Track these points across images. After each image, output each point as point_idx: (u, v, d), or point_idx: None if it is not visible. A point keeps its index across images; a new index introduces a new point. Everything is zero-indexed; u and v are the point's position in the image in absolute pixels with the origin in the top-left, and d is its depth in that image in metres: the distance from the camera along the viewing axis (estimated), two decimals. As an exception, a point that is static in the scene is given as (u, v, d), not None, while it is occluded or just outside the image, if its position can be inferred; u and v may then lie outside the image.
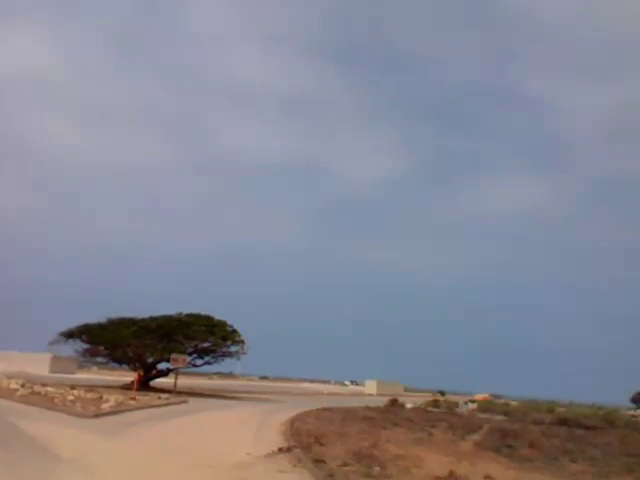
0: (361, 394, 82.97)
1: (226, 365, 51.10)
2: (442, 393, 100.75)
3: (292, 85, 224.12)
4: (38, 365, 61.97)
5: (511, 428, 28.50)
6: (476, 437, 23.96)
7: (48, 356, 62.80)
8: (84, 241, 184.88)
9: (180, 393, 38.29)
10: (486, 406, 55.41)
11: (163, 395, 33.59)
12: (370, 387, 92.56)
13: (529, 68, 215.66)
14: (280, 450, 15.12)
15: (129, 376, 48.19)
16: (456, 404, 55.40)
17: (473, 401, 62.99)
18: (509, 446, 20.14)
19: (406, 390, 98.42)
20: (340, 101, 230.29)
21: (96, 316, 44.72)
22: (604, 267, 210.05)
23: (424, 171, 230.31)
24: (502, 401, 77.84)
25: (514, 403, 66.63)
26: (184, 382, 45.53)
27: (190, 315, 45.55)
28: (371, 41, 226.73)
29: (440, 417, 34.37)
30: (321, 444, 16.64)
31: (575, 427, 33.45)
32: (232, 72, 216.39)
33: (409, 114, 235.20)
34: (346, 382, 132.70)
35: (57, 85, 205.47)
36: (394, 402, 44.05)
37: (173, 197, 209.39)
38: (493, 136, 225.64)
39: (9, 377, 37.14)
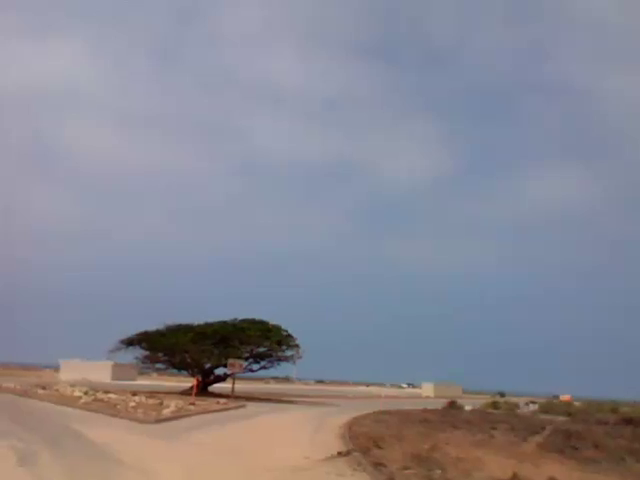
0: (418, 396, 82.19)
1: (282, 369, 51.44)
2: (501, 394, 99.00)
3: (326, 84, 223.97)
4: (100, 373, 63.58)
5: (574, 429, 27.71)
6: (539, 439, 23.39)
7: (109, 364, 64.30)
8: (133, 248, 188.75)
9: (238, 398, 38.66)
10: (548, 407, 54.14)
11: (221, 400, 33.96)
12: (427, 389, 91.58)
13: (573, 58, 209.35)
14: (339, 454, 15.02)
15: (188, 382, 48.93)
16: (516, 405, 54.30)
17: (534, 402, 61.62)
18: (573, 447, 19.59)
19: (464, 392, 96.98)
20: (374, 99, 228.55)
21: (154, 323, 45.65)
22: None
23: (462, 168, 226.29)
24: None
25: (577, 404, 64.97)
26: (241, 387, 45.97)
27: (245, 320, 46.01)
28: (406, 37, 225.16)
29: (500, 419, 33.69)
30: (380, 447, 16.50)
31: (641, 427, 32.32)
32: (266, 73, 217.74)
33: (445, 110, 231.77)
34: (403, 384, 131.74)
35: (97, 93, 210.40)
36: (452, 404, 43.45)
37: (209, 198, 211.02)
38: (532, 130, 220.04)
39: (72, 385, 38.21)
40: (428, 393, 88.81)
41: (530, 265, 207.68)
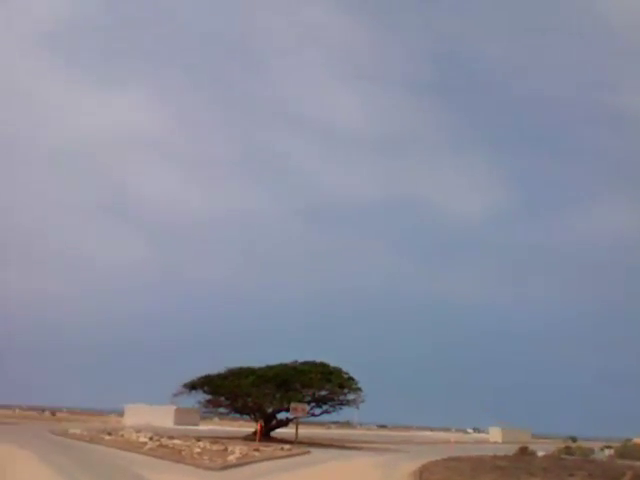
0: (485, 442, 79.38)
1: (343, 414, 50.49)
2: (573, 439, 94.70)
3: (387, 122, 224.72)
4: (163, 417, 63.96)
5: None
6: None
7: (172, 408, 64.65)
8: (195, 292, 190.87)
9: (301, 443, 38.02)
10: (625, 451, 51.29)
11: (285, 446, 33.40)
12: (495, 434, 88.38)
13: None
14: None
15: (249, 426, 48.59)
16: (591, 450, 51.69)
17: (609, 447, 58.55)
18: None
19: (533, 436, 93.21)
20: (433, 136, 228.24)
21: (216, 367, 45.67)
22: None
23: (520, 203, 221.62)
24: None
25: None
26: (302, 432, 45.23)
27: (306, 363, 45.58)
28: (464, 75, 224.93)
29: (576, 465, 31.93)
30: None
31: None
32: (327, 113, 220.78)
33: (505, 146, 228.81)
34: (468, 429, 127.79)
35: (163, 140, 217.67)
36: (524, 450, 41.52)
37: (273, 241, 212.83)
38: (592, 164, 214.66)
39: (137, 431, 38.36)
40: (496, 438, 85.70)
41: (596, 301, 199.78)
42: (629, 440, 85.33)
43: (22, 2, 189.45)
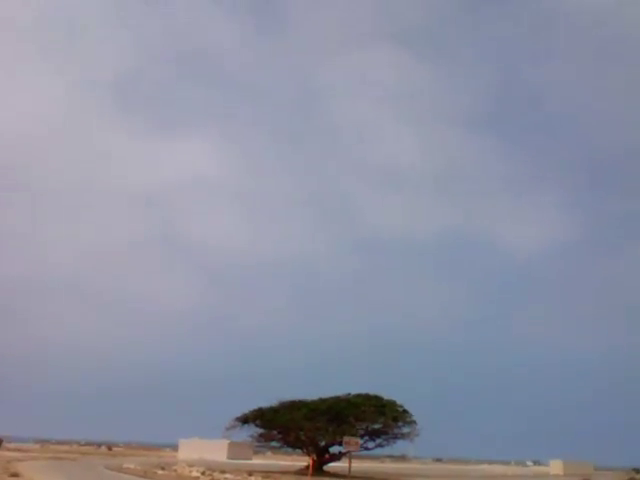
0: (546, 475, 76.49)
1: (397, 447, 49.50)
2: (637, 470, 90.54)
3: (438, 158, 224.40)
4: (217, 452, 63.88)
5: None
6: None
7: (225, 442, 64.45)
8: (246, 331, 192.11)
9: (354, 477, 37.34)
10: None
11: (338, 480, 32.85)
12: (556, 467, 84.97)
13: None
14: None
15: (302, 460, 48.06)
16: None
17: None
18: None
19: (596, 469, 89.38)
20: (491, 170, 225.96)
21: (268, 400, 45.45)
22: None
23: (586, 239, 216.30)
24: None
25: None
26: (356, 466, 44.45)
27: (359, 395, 44.98)
28: (524, 105, 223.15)
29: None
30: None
31: None
32: (383, 153, 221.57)
33: (567, 178, 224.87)
34: (528, 462, 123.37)
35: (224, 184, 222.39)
36: (587, 484, 39.89)
37: (327, 279, 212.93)
38: None
39: (190, 465, 38.40)
40: (557, 471, 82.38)
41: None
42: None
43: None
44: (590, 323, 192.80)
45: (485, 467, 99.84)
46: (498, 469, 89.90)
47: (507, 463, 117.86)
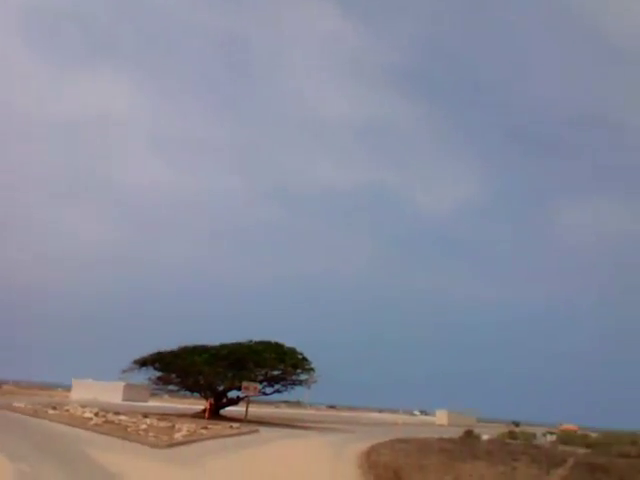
0: (431, 424, 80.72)
1: (294, 393, 50.69)
2: (516, 424, 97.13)
3: (367, 114, 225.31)
4: (111, 393, 63.10)
5: (597, 462, 26.78)
6: (562, 472, 22.55)
7: (121, 384, 63.79)
8: (151, 270, 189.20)
9: (250, 422, 38.00)
10: (566, 438, 52.86)
11: (234, 424, 33.32)
12: (441, 417, 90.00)
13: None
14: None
15: (200, 404, 48.31)
16: (533, 435, 53.09)
17: (552, 432, 60.23)
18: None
19: (478, 421, 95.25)
20: (415, 129, 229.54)
21: (169, 344, 45.11)
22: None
23: (499, 199, 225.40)
24: (580, 432, 74.49)
25: (593, 435, 63.46)
26: (252, 411, 45.24)
27: (261, 342, 45.41)
28: (449, 68, 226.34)
29: (520, 449, 32.70)
30: (400, 478, 15.87)
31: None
32: (306, 102, 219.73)
33: (486, 140, 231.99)
34: (415, 412, 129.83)
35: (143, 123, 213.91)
36: (469, 433, 42.40)
37: (243, 225, 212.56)
38: (575, 160, 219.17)
39: (83, 406, 37.72)
40: (442, 421, 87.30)
41: (547, 291, 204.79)
42: (557, 426, 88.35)
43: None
44: (493, 278, 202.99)
45: (375, 415, 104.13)
46: (388, 417, 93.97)
47: (396, 412, 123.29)
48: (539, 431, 63.87)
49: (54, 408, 34.88)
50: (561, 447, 42.12)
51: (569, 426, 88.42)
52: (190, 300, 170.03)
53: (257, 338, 46.06)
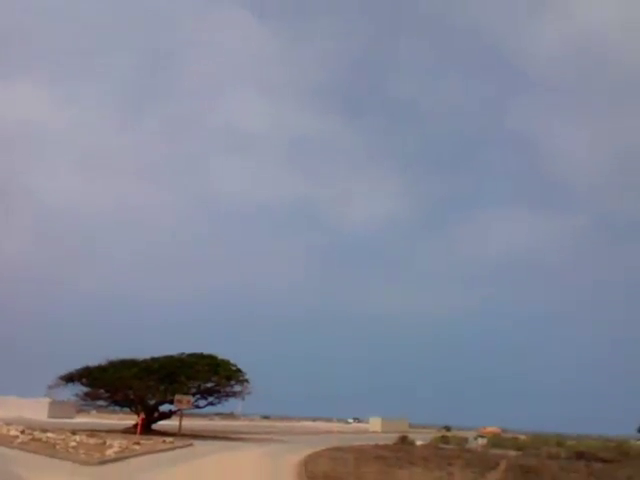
0: (365, 432, 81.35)
1: (227, 405, 50.09)
2: (447, 428, 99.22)
3: (293, 130, 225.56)
4: (36, 410, 60.54)
5: (529, 464, 27.59)
6: (496, 475, 23.10)
7: (46, 401, 61.37)
8: (83, 285, 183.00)
9: (184, 436, 37.25)
10: (496, 441, 54.30)
11: (168, 438, 32.53)
12: (375, 424, 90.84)
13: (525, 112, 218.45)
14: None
15: (130, 419, 46.98)
16: (465, 439, 54.26)
17: (482, 436, 61.71)
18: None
19: (410, 426, 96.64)
20: (340, 145, 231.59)
21: (96, 359, 43.72)
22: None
23: (421, 215, 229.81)
24: (509, 435, 76.75)
25: (522, 437, 65.41)
26: (185, 424, 44.38)
27: (193, 355, 44.65)
28: (373, 89, 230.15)
29: (454, 454, 33.36)
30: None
31: (592, 460, 32.58)
32: (232, 119, 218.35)
33: (408, 159, 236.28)
34: (349, 420, 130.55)
35: (60, 135, 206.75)
36: (404, 439, 42.96)
37: (171, 241, 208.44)
38: (493, 178, 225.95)
39: (8, 423, 36.04)
40: (375, 428, 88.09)
41: (475, 297, 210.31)
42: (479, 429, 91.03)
43: None
44: (420, 287, 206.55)
45: (309, 424, 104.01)
46: (321, 426, 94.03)
47: (330, 420, 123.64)
48: (470, 435, 65.30)
49: (-25, 427, 33.16)
50: (492, 450, 43.22)
51: (492, 429, 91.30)
52: (119, 312, 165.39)
53: (189, 351, 45.32)
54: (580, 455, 34.49)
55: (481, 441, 54.20)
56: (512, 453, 39.19)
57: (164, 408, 44.54)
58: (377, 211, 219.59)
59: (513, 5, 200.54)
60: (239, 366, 45.12)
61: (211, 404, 46.85)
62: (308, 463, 22.85)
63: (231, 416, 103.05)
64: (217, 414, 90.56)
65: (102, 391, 44.29)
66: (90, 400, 45.89)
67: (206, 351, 45.34)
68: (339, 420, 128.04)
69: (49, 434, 29.35)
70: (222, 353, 45.68)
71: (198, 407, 46.07)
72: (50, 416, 60.10)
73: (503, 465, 26.49)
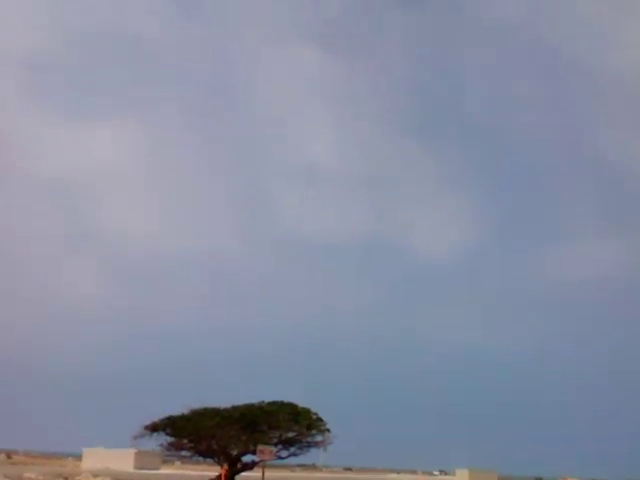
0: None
1: (309, 456, 49.24)
2: (539, 479, 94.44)
3: (361, 162, 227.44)
4: (122, 461, 61.72)
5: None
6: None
7: (132, 452, 62.40)
8: (153, 328, 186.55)
9: (267, 487, 36.82)
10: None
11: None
12: (462, 476, 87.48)
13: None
14: None
15: (213, 470, 46.97)
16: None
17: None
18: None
19: (500, 478, 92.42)
20: (410, 176, 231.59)
21: (179, 407, 44.10)
22: None
23: (497, 242, 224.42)
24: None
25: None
26: (268, 475, 43.90)
27: (273, 403, 44.32)
28: (446, 114, 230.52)
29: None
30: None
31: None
32: (304, 151, 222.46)
33: (480, 183, 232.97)
34: (435, 472, 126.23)
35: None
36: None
37: (239, 280, 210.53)
38: (570, 203, 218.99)
39: (95, 475, 36.80)
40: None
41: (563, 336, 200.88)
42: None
43: None
44: (498, 326, 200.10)
45: (394, 476, 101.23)
46: (405, 478, 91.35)
47: (414, 472, 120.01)
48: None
49: (66, 479, 34.03)
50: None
51: (571, 479, 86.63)
52: (193, 360, 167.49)
53: (267, 398, 45.11)
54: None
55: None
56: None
57: (246, 459, 44.26)
58: (447, 241, 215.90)
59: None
60: (319, 414, 44.49)
61: (293, 455, 46.06)
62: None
63: (313, 467, 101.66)
64: (298, 465, 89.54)
65: (186, 441, 44.43)
66: (174, 450, 46.03)
67: (282, 396, 45.05)
68: (424, 472, 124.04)
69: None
70: (296, 399, 45.28)
71: (280, 458, 45.39)
72: (136, 467, 61.13)
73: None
